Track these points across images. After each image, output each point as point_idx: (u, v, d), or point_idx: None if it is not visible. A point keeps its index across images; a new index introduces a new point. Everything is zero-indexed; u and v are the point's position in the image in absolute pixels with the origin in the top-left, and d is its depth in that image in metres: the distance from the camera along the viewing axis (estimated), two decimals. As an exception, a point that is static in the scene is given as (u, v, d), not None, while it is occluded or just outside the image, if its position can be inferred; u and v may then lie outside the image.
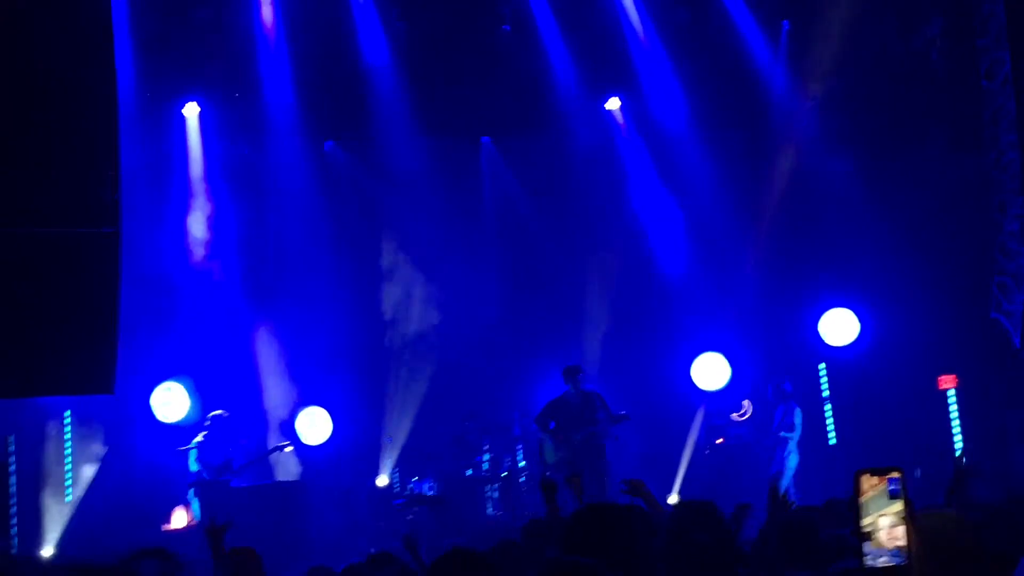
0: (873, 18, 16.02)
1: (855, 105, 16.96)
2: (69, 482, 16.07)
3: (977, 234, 15.99)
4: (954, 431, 16.46)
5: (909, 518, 3.49)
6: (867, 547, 3.51)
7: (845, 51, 16.47)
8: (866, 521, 3.52)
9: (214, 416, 15.16)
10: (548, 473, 14.88)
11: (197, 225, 17.12)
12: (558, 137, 17.77)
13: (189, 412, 16.30)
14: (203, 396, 16.28)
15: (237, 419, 15.50)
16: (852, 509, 3.56)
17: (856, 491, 3.53)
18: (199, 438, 14.96)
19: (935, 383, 16.61)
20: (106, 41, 10.15)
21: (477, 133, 18.37)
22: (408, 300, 17.99)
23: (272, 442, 16.57)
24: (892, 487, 3.48)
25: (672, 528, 5.25)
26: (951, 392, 16.50)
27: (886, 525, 3.49)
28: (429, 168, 17.57)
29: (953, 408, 16.50)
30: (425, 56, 16.41)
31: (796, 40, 17.07)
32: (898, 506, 3.49)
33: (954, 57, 15.86)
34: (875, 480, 3.51)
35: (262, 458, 15.71)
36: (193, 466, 14.84)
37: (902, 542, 3.48)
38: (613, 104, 18.15)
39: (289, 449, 15.88)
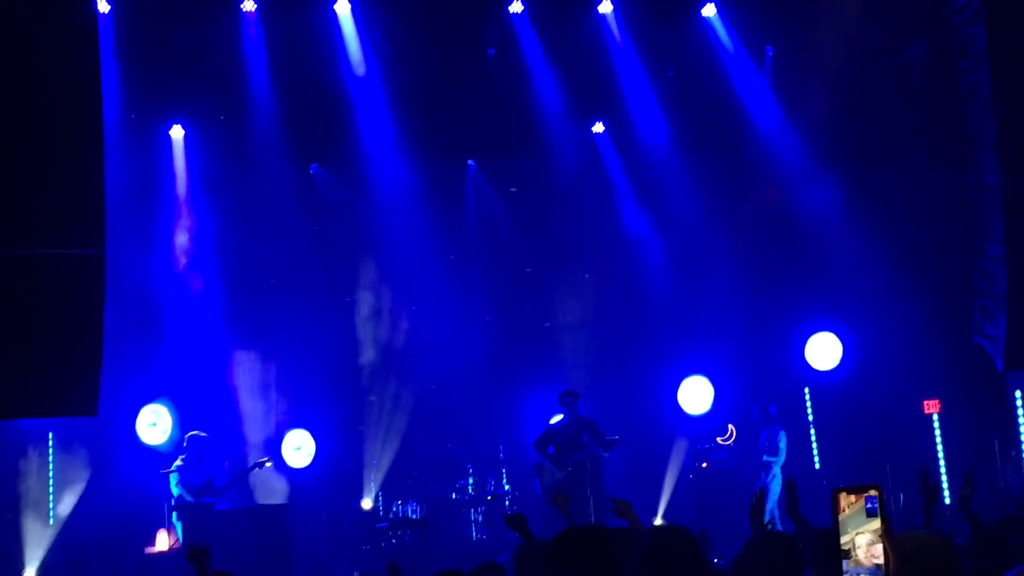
0: (857, 40, 16.10)
1: (838, 128, 17.02)
2: (51, 505, 16.00)
3: (962, 257, 16.02)
4: (939, 455, 16.49)
5: (887, 536, 3.50)
6: (846, 565, 3.52)
7: (828, 74, 16.55)
8: (844, 539, 3.53)
9: (191, 436, 15.05)
10: (542, 495, 14.94)
11: (182, 247, 17.10)
12: (543, 160, 17.81)
13: (173, 435, 16.26)
14: (186, 418, 16.23)
15: (219, 440, 15.44)
16: (833, 525, 3.57)
17: (834, 509, 3.54)
18: (179, 460, 14.89)
19: (920, 407, 16.65)
20: (92, 67, 10.19)
21: (462, 156, 18.40)
22: (392, 322, 17.97)
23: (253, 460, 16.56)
24: (870, 505, 3.50)
25: (644, 554, 5.25)
26: (935, 416, 16.54)
27: (864, 543, 3.50)
28: (415, 191, 17.59)
29: (937, 432, 16.54)
30: (410, 79, 16.43)
31: (780, 64, 17.14)
32: (876, 524, 3.51)
33: (937, 77, 15.94)
34: (852, 498, 3.52)
35: (243, 475, 15.62)
36: (175, 489, 14.76)
37: (880, 560, 3.49)
38: (598, 128, 18.21)
39: (269, 464, 15.78)
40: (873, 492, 3.51)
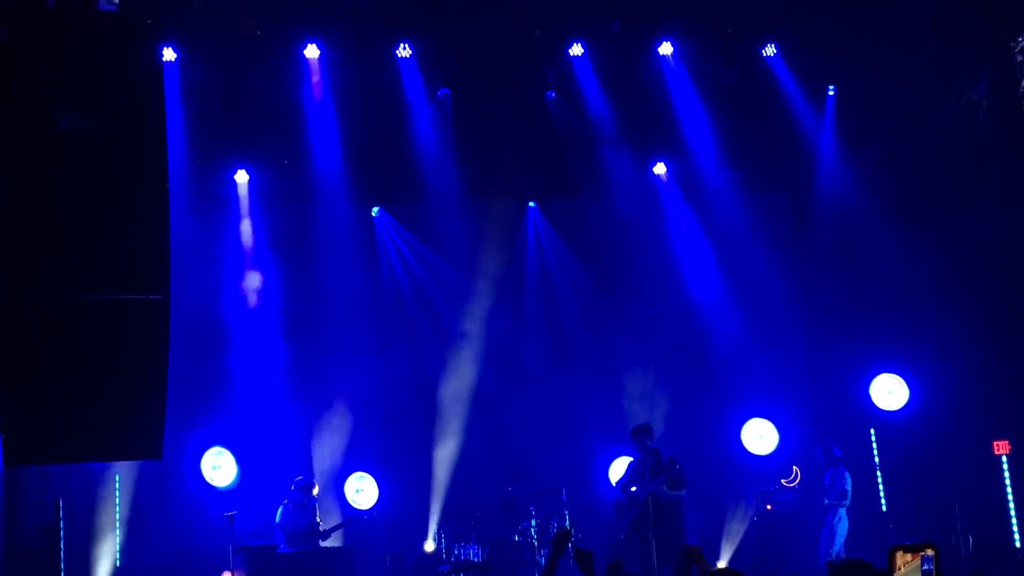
0: (920, 81, 16.00)
1: (903, 166, 16.89)
2: (118, 544, 16.16)
3: (1030, 295, 15.86)
4: (1008, 497, 16.18)
5: (941, 596, 3.47)
6: (899, 623, 3.49)
7: (892, 113, 16.45)
8: (899, 597, 3.50)
9: (300, 481, 15.47)
10: (622, 536, 14.81)
11: (247, 291, 17.28)
12: (604, 201, 17.82)
13: (237, 476, 16.43)
14: (251, 462, 16.40)
15: (283, 483, 15.60)
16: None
17: (890, 567, 3.51)
18: (285, 502, 15.27)
19: (989, 448, 16.32)
20: (157, 114, 10.33)
21: (523, 198, 18.46)
22: (454, 364, 18.00)
23: (320, 507, 16.66)
24: (926, 566, 3.47)
25: None
26: (1004, 458, 16.24)
27: (919, 602, 3.47)
28: (476, 232, 17.67)
29: (1007, 474, 16.24)
30: (471, 122, 16.56)
31: (843, 103, 17.05)
32: (931, 583, 3.48)
33: (1002, 115, 15.81)
34: (909, 557, 3.49)
35: (346, 524, 16.05)
36: (280, 531, 15.08)
37: (932, 618, 3.46)
38: (660, 169, 18.21)
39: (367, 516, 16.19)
40: (930, 552, 3.48)
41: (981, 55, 15.74)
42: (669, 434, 16.97)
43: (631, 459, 15.24)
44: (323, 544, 15.53)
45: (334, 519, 16.55)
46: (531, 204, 18.63)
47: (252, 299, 17.24)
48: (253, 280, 17.30)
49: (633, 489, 14.76)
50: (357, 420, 17.42)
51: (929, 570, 3.47)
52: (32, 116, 9.64)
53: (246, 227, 17.25)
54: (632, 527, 14.69)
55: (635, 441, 14.93)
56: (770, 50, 16.51)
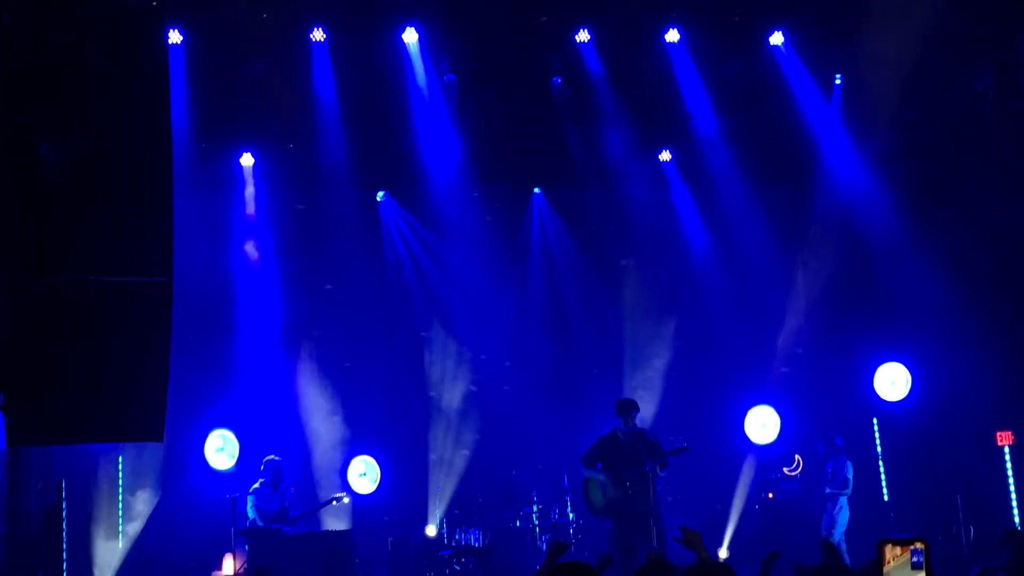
0: (926, 71, 15.94)
1: (908, 157, 16.86)
2: (121, 526, 16.21)
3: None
4: (1010, 488, 16.19)
5: (931, 590, 3.47)
6: (889, 616, 3.49)
7: (898, 103, 16.39)
8: (888, 591, 3.50)
9: (269, 461, 15.28)
10: (598, 513, 14.54)
11: (251, 273, 17.29)
12: (609, 188, 17.81)
13: (240, 460, 16.45)
14: (253, 444, 16.41)
15: (286, 465, 15.57)
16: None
17: (880, 561, 3.51)
18: (256, 485, 15.09)
19: (991, 439, 16.32)
20: (162, 97, 10.32)
21: (528, 184, 18.46)
22: (457, 349, 18.03)
23: (322, 490, 16.67)
24: (915, 559, 3.47)
25: None
26: (1007, 448, 16.23)
27: (908, 595, 3.47)
28: (481, 218, 17.67)
29: (1009, 464, 16.24)
30: (477, 107, 16.52)
31: (849, 93, 17.00)
32: (920, 577, 3.48)
33: (1008, 108, 15.77)
34: (898, 551, 3.49)
35: (319, 508, 15.86)
36: (249, 512, 14.95)
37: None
38: (665, 156, 18.18)
39: (346, 500, 15.97)
40: (919, 545, 3.49)
41: (988, 46, 15.68)
42: (671, 421, 17.01)
43: (604, 434, 14.49)
44: (329, 527, 15.57)
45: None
46: (536, 190, 18.66)
47: (252, 299, 17.24)
48: (252, 264, 17.33)
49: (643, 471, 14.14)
50: (360, 404, 17.45)
51: (919, 562, 3.47)
52: (36, 97, 9.65)
53: (251, 210, 17.27)
54: (618, 507, 14.18)
55: (620, 416, 14.24)
56: (777, 38, 16.45)
